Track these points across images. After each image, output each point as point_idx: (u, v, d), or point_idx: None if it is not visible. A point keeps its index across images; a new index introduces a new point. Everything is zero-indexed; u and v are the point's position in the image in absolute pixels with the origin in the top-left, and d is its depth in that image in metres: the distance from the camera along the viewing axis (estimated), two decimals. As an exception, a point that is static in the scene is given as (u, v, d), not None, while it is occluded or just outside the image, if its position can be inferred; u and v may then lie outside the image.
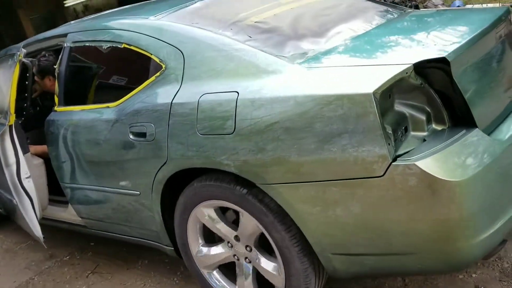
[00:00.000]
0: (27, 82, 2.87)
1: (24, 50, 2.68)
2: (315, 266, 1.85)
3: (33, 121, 3.35)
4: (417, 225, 1.53)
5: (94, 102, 2.37)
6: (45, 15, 12.53)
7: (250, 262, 2.04)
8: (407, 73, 1.53)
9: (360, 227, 1.62)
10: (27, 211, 2.72)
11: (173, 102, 1.95)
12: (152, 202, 2.17)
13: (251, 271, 2.05)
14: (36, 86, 3.19)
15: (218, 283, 2.20)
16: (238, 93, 1.76)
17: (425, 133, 1.63)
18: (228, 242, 2.06)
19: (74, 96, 2.51)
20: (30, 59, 2.73)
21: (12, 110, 2.62)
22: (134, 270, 2.77)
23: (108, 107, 2.25)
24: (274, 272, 1.95)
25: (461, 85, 1.58)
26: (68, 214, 2.81)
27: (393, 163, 1.48)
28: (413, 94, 1.62)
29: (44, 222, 3.06)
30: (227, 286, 2.19)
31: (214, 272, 2.20)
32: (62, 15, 12.99)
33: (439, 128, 1.65)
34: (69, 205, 2.74)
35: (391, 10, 2.36)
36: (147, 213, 2.25)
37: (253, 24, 2.05)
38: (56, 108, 2.54)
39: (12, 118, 2.62)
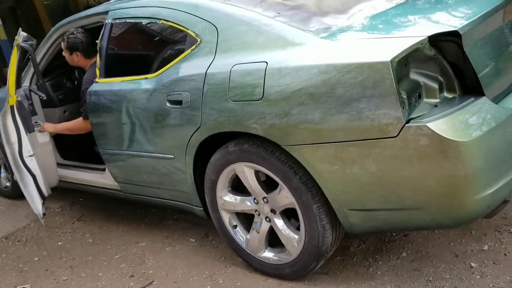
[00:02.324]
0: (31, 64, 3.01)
1: (23, 34, 2.78)
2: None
3: (71, 95, 3.60)
4: (426, 181, 1.70)
5: (133, 74, 2.57)
6: (58, 1, 12.87)
7: (269, 221, 2.23)
8: (422, 44, 1.69)
9: (374, 184, 1.80)
10: (27, 187, 2.94)
11: (207, 72, 2.14)
12: (185, 165, 2.38)
13: (267, 229, 2.24)
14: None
15: (232, 226, 2.38)
16: (267, 63, 1.94)
17: (437, 100, 1.79)
18: (255, 198, 2.25)
19: (114, 69, 2.72)
20: (29, 42, 2.80)
21: (12, 91, 2.79)
22: (113, 218, 3.40)
23: (146, 78, 2.46)
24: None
25: (472, 57, 1.73)
26: (105, 179, 3.04)
27: (406, 125, 1.65)
28: (427, 64, 1.78)
29: (81, 188, 3.33)
30: (240, 231, 2.37)
31: (232, 215, 2.38)
32: (75, 1, 13.39)
33: (450, 96, 1.81)
34: (106, 171, 2.98)
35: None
36: (180, 175, 2.46)
37: (281, 1, 2.23)
38: (97, 79, 2.76)
39: (12, 99, 2.79)
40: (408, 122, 1.66)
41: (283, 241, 2.22)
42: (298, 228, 2.18)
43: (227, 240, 2.45)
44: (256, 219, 2.28)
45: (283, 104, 1.88)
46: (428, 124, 1.63)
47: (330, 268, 2.31)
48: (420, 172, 1.69)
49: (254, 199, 2.24)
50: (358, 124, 1.73)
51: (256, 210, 2.27)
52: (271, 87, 1.91)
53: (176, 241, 2.90)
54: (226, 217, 2.39)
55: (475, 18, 1.79)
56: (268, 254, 2.31)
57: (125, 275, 2.67)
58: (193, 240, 2.87)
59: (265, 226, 2.26)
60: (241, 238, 2.38)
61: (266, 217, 2.23)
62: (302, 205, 2.01)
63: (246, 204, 2.28)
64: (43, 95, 3.15)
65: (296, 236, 2.16)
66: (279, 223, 2.20)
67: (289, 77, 1.86)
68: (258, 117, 1.96)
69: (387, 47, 1.70)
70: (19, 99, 2.79)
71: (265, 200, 2.20)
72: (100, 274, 2.74)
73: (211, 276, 2.47)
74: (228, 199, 2.33)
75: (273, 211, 2.19)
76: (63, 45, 3.06)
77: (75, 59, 3.07)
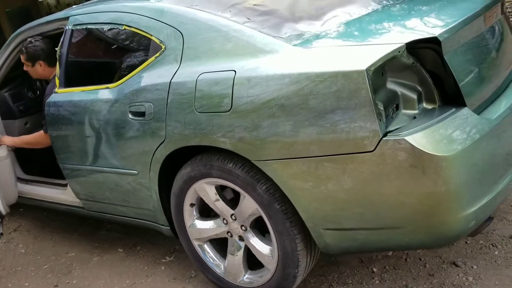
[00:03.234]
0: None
1: None
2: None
3: (32, 106, 3.40)
4: (405, 198, 1.58)
5: (94, 84, 2.41)
6: (21, 8, 12.73)
7: (243, 240, 2.09)
8: (399, 51, 1.58)
9: (351, 201, 1.67)
10: None
11: (172, 81, 2.00)
12: (150, 181, 2.22)
13: (242, 249, 2.10)
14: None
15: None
16: (235, 71, 1.81)
17: (415, 111, 1.68)
18: (224, 219, 2.11)
19: (74, 78, 2.55)
20: None
21: None
22: (49, 228, 3.39)
23: (108, 87, 2.30)
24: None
25: (452, 64, 1.63)
26: (66, 196, 2.86)
27: (383, 138, 1.53)
28: (405, 73, 1.67)
29: (43, 204, 3.13)
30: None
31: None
32: (37, 9, 13.29)
33: (429, 107, 1.70)
34: (68, 187, 2.79)
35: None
36: (145, 192, 2.29)
37: (252, 6, 2.09)
38: (57, 89, 2.59)
39: None
40: (385, 135, 1.54)
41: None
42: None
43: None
44: (230, 241, 2.13)
45: (253, 116, 1.74)
46: (407, 138, 1.51)
47: None
48: (399, 189, 1.57)
49: (223, 219, 2.10)
50: (332, 138, 1.60)
51: (228, 232, 2.11)
52: (240, 98, 1.77)
53: (105, 251, 2.94)
54: (199, 248, 2.25)
55: (455, 24, 1.69)
56: (248, 279, 2.14)
57: (50, 285, 2.72)
58: (121, 250, 2.91)
59: (240, 247, 2.11)
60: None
61: (239, 237, 2.08)
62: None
63: (217, 228, 2.14)
64: None
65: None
66: (252, 239, 2.05)
67: (258, 87, 1.73)
68: (226, 130, 1.82)
69: (362, 55, 1.59)
70: None
71: (233, 217, 2.06)
72: (26, 284, 2.78)
73: (131, 285, 2.54)
74: (198, 226, 2.19)
75: (243, 227, 2.05)
76: (23, 57, 2.85)
77: (39, 69, 2.86)
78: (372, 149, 1.55)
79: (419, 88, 1.69)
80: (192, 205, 2.17)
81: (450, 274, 2.12)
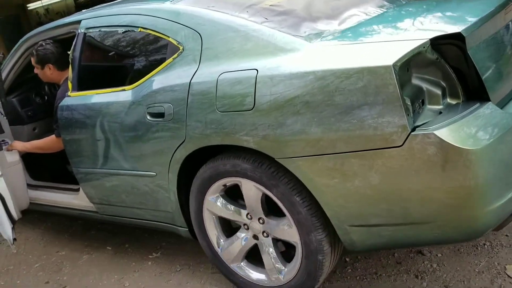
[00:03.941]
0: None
1: None
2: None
3: (41, 111, 3.38)
4: (434, 193, 1.58)
5: (109, 86, 2.40)
6: (10, 17, 12.78)
7: (268, 235, 2.07)
8: (424, 47, 1.58)
9: (378, 197, 1.67)
10: None
11: (191, 81, 1.99)
12: (169, 182, 2.21)
13: (272, 244, 2.07)
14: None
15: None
16: (257, 70, 1.81)
17: (440, 107, 1.69)
18: (244, 224, 2.10)
19: (88, 81, 2.54)
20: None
21: None
22: (40, 229, 3.46)
23: (124, 90, 2.29)
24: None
25: (475, 59, 1.64)
26: (79, 200, 2.84)
27: (412, 133, 1.54)
28: (429, 69, 1.68)
29: (53, 210, 3.10)
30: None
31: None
32: (26, 17, 13.34)
33: (453, 102, 1.71)
34: (80, 191, 2.78)
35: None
36: (163, 194, 2.28)
37: (268, 7, 2.10)
38: (69, 93, 2.58)
39: None
40: (413, 130, 1.55)
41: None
42: (285, 256, 2.08)
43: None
44: (241, 231, 2.13)
45: (277, 114, 1.74)
46: (436, 132, 1.52)
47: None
48: (427, 183, 1.58)
49: (248, 213, 2.09)
50: (359, 134, 1.61)
51: (245, 224, 2.11)
52: (263, 96, 1.77)
53: (94, 250, 3.07)
54: (208, 217, 2.21)
55: (477, 20, 1.70)
56: (289, 270, 2.06)
57: (41, 282, 2.84)
58: (110, 248, 3.05)
59: (250, 242, 2.11)
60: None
61: (263, 232, 2.07)
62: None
63: (237, 215, 2.13)
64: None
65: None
66: (269, 247, 2.06)
67: (282, 84, 1.73)
68: (249, 128, 1.81)
69: (388, 51, 1.59)
70: None
71: (249, 216, 2.05)
72: (18, 282, 2.90)
73: (120, 280, 2.67)
74: (228, 247, 2.19)
75: (261, 220, 2.04)
76: (33, 60, 2.86)
77: (48, 73, 2.87)
78: (400, 144, 1.55)
79: (443, 84, 1.70)
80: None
81: (416, 261, 2.26)
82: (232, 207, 2.12)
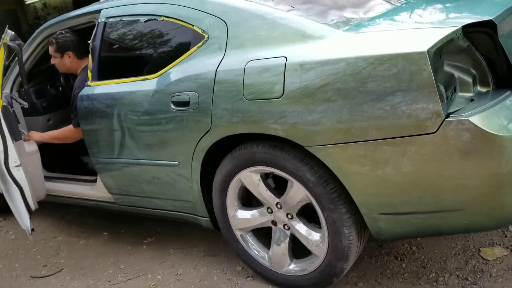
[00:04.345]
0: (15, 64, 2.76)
1: (11, 33, 2.55)
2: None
3: (56, 102, 3.38)
4: (467, 180, 1.58)
5: (130, 76, 2.39)
6: (7, 11, 12.79)
7: (288, 229, 2.08)
8: (456, 34, 1.58)
9: (409, 185, 1.67)
10: (14, 201, 2.69)
11: (217, 70, 1.99)
12: (192, 172, 2.21)
13: (288, 238, 2.10)
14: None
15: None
16: (286, 58, 1.80)
17: (471, 94, 1.69)
18: (268, 207, 2.10)
19: (108, 70, 2.54)
20: (17, 42, 2.58)
21: None
22: (37, 217, 3.48)
23: (146, 79, 2.29)
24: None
25: (506, 47, 1.64)
26: (96, 191, 2.83)
27: (446, 119, 1.53)
28: (461, 56, 1.67)
29: (70, 201, 3.10)
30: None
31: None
32: (23, 12, 13.37)
33: (483, 90, 1.71)
34: (97, 182, 2.77)
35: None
36: (185, 183, 2.28)
37: (293, -5, 2.09)
38: (89, 83, 2.57)
39: None
40: (447, 116, 1.54)
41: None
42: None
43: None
44: (274, 230, 2.12)
45: (307, 101, 1.74)
46: (470, 118, 1.52)
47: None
48: (461, 170, 1.58)
49: (268, 208, 2.09)
50: (392, 121, 1.60)
51: (272, 221, 2.11)
52: (293, 84, 1.77)
53: (91, 235, 3.17)
54: (230, 204, 2.20)
55: (509, 7, 1.70)
56: (295, 267, 2.13)
57: (39, 265, 2.93)
58: (106, 234, 3.14)
59: (285, 236, 2.11)
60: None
61: (284, 225, 2.07)
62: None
63: (261, 217, 2.13)
64: (26, 104, 2.91)
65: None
66: (299, 226, 2.04)
67: (312, 72, 1.73)
68: (278, 116, 1.81)
69: (421, 38, 1.59)
70: (4, 104, 2.56)
71: (278, 205, 2.05)
72: (17, 265, 2.99)
73: (115, 262, 2.77)
74: (240, 216, 2.19)
75: (289, 215, 2.04)
76: (52, 48, 2.84)
77: (67, 61, 2.86)
78: (434, 131, 1.55)
79: (474, 71, 1.70)
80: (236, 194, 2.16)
81: (396, 244, 2.37)
82: (266, 188, 2.07)
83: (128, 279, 2.57)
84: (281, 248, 2.12)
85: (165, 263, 2.65)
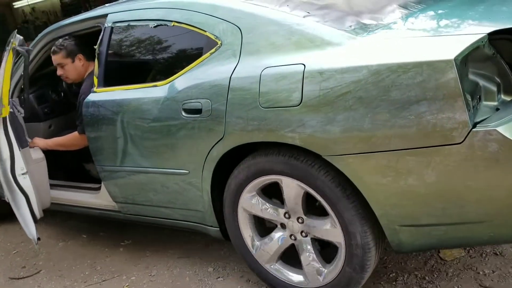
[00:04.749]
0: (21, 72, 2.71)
1: (19, 37, 2.49)
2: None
3: (57, 108, 3.31)
4: (493, 191, 1.54)
5: (138, 82, 2.34)
6: None
7: (306, 235, 2.01)
8: (482, 42, 1.54)
9: (433, 196, 1.62)
10: (20, 209, 2.63)
11: (232, 77, 1.94)
12: (202, 181, 2.15)
13: (311, 244, 2.02)
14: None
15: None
16: (304, 65, 1.76)
17: (495, 103, 1.65)
18: (281, 223, 2.05)
19: (115, 77, 2.48)
20: (25, 47, 2.54)
21: (6, 101, 2.46)
22: (17, 220, 3.31)
23: (155, 85, 2.23)
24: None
25: (532, 55, 1.60)
26: (100, 199, 2.76)
27: (472, 130, 1.49)
28: (486, 64, 1.64)
29: (72, 210, 3.03)
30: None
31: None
32: (12, 15, 13.38)
33: (508, 98, 1.67)
34: (101, 190, 2.70)
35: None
36: (195, 192, 2.22)
37: (308, 0, 2.05)
38: (95, 89, 2.51)
39: (5, 110, 2.47)
40: (474, 126, 1.50)
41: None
42: (325, 258, 2.02)
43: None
44: (296, 245, 2.05)
45: (327, 109, 1.69)
46: (498, 129, 1.47)
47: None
48: (488, 181, 1.53)
49: (286, 212, 2.03)
50: (417, 130, 1.56)
51: (291, 236, 2.05)
52: (311, 91, 1.72)
53: (70, 238, 3.25)
54: (242, 216, 2.15)
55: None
56: (330, 271, 2.00)
57: (18, 267, 2.99)
58: (85, 236, 3.23)
59: (286, 243, 2.06)
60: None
61: (302, 232, 2.01)
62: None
63: (280, 237, 2.07)
64: (22, 111, 2.82)
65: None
66: (307, 247, 2.00)
67: (332, 79, 1.68)
68: (296, 125, 1.76)
69: (446, 45, 1.55)
70: (11, 110, 2.49)
71: (286, 215, 2.00)
72: None
73: (92, 264, 2.85)
74: (263, 247, 2.13)
75: (300, 219, 1.99)
76: (61, 55, 2.77)
77: (78, 65, 2.79)
78: (460, 141, 1.51)
79: (498, 80, 1.66)
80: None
81: None
82: (269, 205, 2.06)
83: (103, 280, 2.65)
84: (311, 258, 2.03)
85: (140, 265, 2.73)
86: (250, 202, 2.08)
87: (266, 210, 2.07)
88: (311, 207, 2.00)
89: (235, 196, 2.10)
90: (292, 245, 2.08)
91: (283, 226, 2.06)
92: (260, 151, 1.98)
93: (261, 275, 2.21)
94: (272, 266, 2.15)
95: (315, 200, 1.90)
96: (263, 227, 2.21)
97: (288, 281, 2.12)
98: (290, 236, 2.05)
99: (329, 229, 1.92)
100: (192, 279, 2.48)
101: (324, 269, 2.01)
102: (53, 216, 3.46)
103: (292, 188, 1.92)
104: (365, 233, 1.82)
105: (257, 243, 2.16)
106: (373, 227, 1.82)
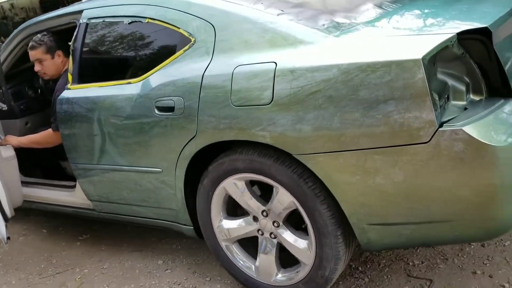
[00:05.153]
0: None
1: None
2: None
3: (34, 105, 3.27)
4: (459, 191, 1.55)
5: (112, 79, 2.31)
6: None
7: (275, 237, 2.02)
8: (451, 41, 1.55)
9: (401, 195, 1.63)
10: None
11: (204, 74, 1.93)
12: (175, 179, 2.14)
13: (275, 247, 2.04)
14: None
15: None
16: (276, 63, 1.75)
17: (464, 103, 1.66)
18: (254, 216, 2.04)
19: (90, 74, 2.45)
20: None
21: None
22: None
23: (129, 83, 2.21)
24: (303, 248, 1.94)
25: (500, 55, 1.61)
26: (75, 197, 2.74)
27: (439, 129, 1.50)
28: (454, 63, 1.65)
29: (47, 208, 2.99)
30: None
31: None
32: None
33: (476, 98, 1.68)
34: (77, 188, 2.68)
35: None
36: (168, 191, 2.21)
37: (283, -1, 2.05)
38: (69, 86, 2.48)
39: None
40: (441, 126, 1.51)
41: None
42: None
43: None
44: (260, 240, 2.06)
45: (297, 108, 1.69)
46: (464, 128, 1.48)
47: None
48: (454, 180, 1.54)
49: (254, 217, 2.03)
50: (384, 129, 1.56)
51: (258, 230, 2.05)
52: (282, 90, 1.72)
53: (31, 232, 3.32)
54: (218, 194, 2.10)
55: (503, 14, 1.68)
56: (282, 277, 2.07)
57: None
58: (45, 231, 3.30)
59: (272, 245, 2.05)
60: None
61: (271, 233, 2.01)
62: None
63: (247, 226, 2.07)
64: (4, 106, 2.80)
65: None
66: (286, 234, 1.99)
67: (303, 78, 1.68)
68: (266, 123, 1.76)
69: (415, 45, 1.56)
70: None
71: (264, 213, 1.99)
72: None
73: (48, 258, 2.94)
74: (225, 226, 2.12)
75: (276, 223, 1.98)
76: (40, 51, 2.73)
77: (58, 61, 2.76)
78: (427, 140, 1.51)
79: (467, 79, 1.67)
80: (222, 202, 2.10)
81: None
82: (252, 197, 2.02)
83: (57, 273, 2.75)
84: (268, 257, 2.06)
85: (94, 258, 2.82)
86: (234, 186, 2.02)
87: (247, 199, 2.03)
88: (293, 221, 2.00)
89: (208, 195, 2.09)
90: (255, 237, 2.08)
91: (255, 219, 2.05)
92: (231, 149, 1.97)
93: (216, 252, 2.21)
94: (227, 245, 2.16)
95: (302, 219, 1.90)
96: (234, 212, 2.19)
97: (239, 266, 2.16)
98: (258, 230, 2.05)
99: (303, 249, 1.93)
100: (141, 272, 2.60)
101: (278, 273, 2.05)
102: (16, 212, 3.38)
103: (285, 199, 1.89)
104: (336, 264, 1.87)
105: (223, 221, 2.14)
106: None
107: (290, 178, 1.81)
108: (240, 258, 2.16)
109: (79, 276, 2.67)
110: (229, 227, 2.12)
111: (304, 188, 1.79)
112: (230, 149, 1.98)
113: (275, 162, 1.83)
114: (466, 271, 2.09)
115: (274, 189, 1.91)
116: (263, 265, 2.07)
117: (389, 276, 2.15)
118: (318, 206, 1.79)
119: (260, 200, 2.01)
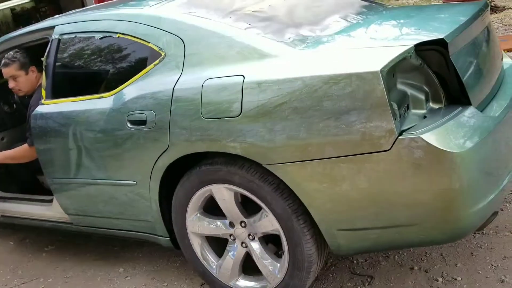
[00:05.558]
0: None
1: None
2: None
3: (10, 120, 3.26)
4: (420, 196, 1.61)
5: (85, 94, 2.34)
6: None
7: (246, 247, 2.06)
8: (409, 53, 1.62)
9: (366, 201, 1.69)
10: None
11: (175, 88, 1.97)
12: (150, 191, 2.17)
13: (242, 255, 2.08)
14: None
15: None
16: (243, 76, 1.80)
17: (424, 111, 1.73)
18: (231, 222, 2.08)
19: (63, 89, 2.47)
20: None
21: None
22: None
23: (102, 97, 2.24)
24: (272, 269, 2.01)
25: (457, 65, 1.69)
26: (52, 212, 2.74)
27: (399, 137, 1.57)
28: (413, 74, 1.72)
29: (25, 222, 2.99)
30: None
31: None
32: None
33: (436, 106, 1.75)
34: (54, 202, 2.68)
35: (375, 5, 2.49)
36: (143, 203, 2.23)
37: (251, 13, 2.11)
38: (43, 101, 2.49)
39: None
40: (400, 134, 1.58)
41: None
42: (277, 254, 2.04)
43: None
44: (230, 244, 2.10)
45: (265, 120, 1.74)
46: (422, 136, 1.55)
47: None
48: (414, 186, 1.61)
49: (230, 222, 2.07)
50: (348, 139, 1.62)
51: (231, 235, 2.09)
52: (250, 102, 1.77)
53: None
54: (195, 242, 2.19)
55: (459, 25, 1.76)
56: (242, 283, 2.13)
57: None
58: (12, 243, 3.32)
59: (240, 252, 2.09)
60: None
61: (242, 243, 2.06)
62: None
63: (221, 228, 2.10)
64: None
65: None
66: (257, 249, 2.03)
67: (269, 90, 1.73)
68: (236, 135, 1.80)
69: (374, 57, 1.63)
70: None
71: (242, 224, 2.03)
72: None
73: (14, 269, 2.98)
74: (199, 222, 2.14)
75: (251, 236, 2.03)
76: (13, 68, 2.73)
77: (32, 77, 2.76)
78: (388, 148, 1.58)
79: (426, 89, 1.75)
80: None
81: None
82: (213, 220, 2.10)
83: (23, 283, 2.80)
84: (233, 261, 2.10)
85: (59, 268, 2.88)
86: (197, 224, 2.11)
87: (213, 226, 2.10)
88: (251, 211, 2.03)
89: (184, 202, 2.10)
90: (248, 255, 2.10)
91: (231, 224, 2.08)
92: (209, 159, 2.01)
93: (181, 240, 2.22)
94: (236, 282, 2.16)
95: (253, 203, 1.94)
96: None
97: (201, 258, 2.20)
98: (242, 244, 2.08)
99: (271, 270, 2.00)
100: (103, 279, 2.67)
101: (238, 279, 2.11)
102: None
103: (222, 194, 1.96)
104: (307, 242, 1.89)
105: (216, 263, 2.18)
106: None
107: (282, 210, 1.85)
108: (204, 254, 2.19)
109: (43, 286, 2.72)
110: (201, 222, 2.14)
111: (294, 224, 1.84)
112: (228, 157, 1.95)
113: (274, 192, 1.85)
114: (404, 267, 2.21)
115: (262, 212, 1.95)
116: (226, 266, 2.11)
117: (334, 274, 2.25)
118: (302, 242, 1.86)
119: (242, 211, 2.04)
